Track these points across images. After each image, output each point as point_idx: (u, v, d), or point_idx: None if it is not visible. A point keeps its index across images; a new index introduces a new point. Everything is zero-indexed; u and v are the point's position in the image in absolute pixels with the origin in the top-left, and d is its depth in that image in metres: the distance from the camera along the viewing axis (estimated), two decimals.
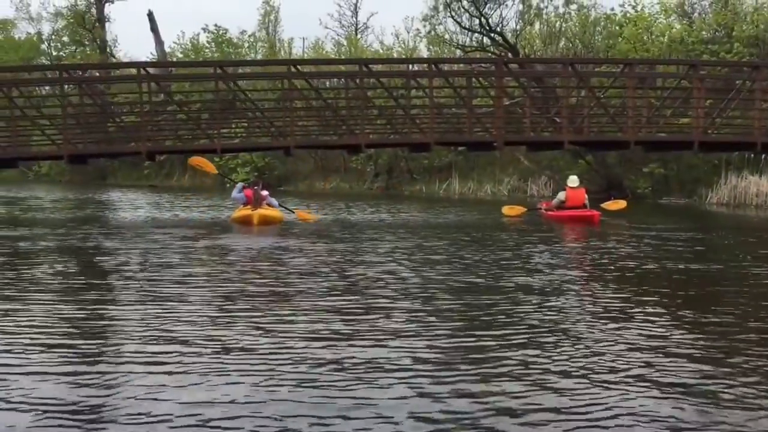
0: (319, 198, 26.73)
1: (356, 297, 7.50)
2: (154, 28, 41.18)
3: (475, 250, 11.48)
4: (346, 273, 9.04)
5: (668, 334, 6.08)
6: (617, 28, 29.99)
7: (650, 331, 6.16)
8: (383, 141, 19.49)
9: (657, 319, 6.63)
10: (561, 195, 16.79)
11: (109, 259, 10.22)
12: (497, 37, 30.96)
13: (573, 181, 16.76)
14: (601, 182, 26.48)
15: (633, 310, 6.96)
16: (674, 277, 9.11)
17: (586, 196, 16.76)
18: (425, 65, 19.34)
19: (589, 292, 8.08)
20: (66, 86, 17.72)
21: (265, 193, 15.88)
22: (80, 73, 18.86)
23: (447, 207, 21.88)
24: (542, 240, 13.05)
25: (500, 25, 31.19)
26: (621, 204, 18.19)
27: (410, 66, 22.16)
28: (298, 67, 17.58)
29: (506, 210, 17.81)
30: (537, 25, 33.34)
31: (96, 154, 20.63)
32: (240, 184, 16.43)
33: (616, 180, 26.42)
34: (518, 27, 32.04)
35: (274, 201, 16.20)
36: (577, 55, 29.17)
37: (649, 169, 25.46)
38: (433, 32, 33.42)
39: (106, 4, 47.33)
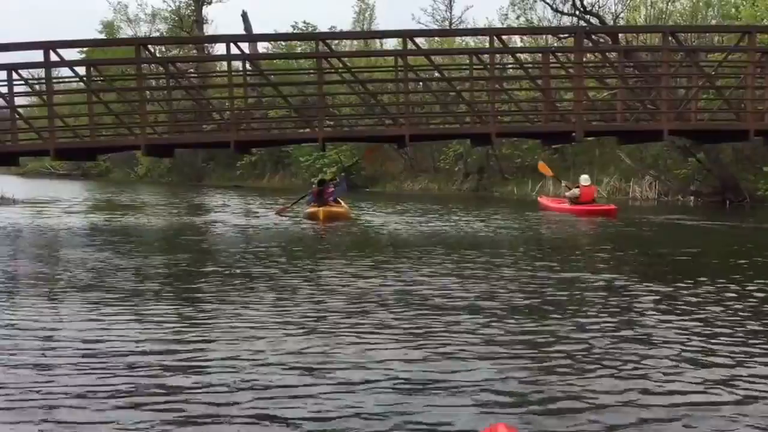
0: (404, 200, 25.20)
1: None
2: (247, 28, 41.42)
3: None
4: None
5: None
6: (733, 10, 26.24)
7: None
8: (431, 132, 16.22)
9: None
10: (576, 191, 18.18)
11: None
12: (593, 20, 27.25)
13: (585, 179, 18.48)
14: (714, 183, 22.81)
15: None
16: None
17: (596, 193, 18.70)
18: (486, 38, 15.83)
19: None
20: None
21: (330, 190, 16.58)
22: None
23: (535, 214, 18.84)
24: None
25: (596, 6, 27.46)
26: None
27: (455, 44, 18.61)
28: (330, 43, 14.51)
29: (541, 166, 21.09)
30: (643, 11, 29.77)
31: (178, 144, 16.85)
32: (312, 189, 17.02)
33: (731, 181, 22.45)
34: (618, 8, 28.46)
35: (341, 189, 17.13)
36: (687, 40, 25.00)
37: None
38: (522, 18, 30.57)
39: (204, 6, 47.78)
